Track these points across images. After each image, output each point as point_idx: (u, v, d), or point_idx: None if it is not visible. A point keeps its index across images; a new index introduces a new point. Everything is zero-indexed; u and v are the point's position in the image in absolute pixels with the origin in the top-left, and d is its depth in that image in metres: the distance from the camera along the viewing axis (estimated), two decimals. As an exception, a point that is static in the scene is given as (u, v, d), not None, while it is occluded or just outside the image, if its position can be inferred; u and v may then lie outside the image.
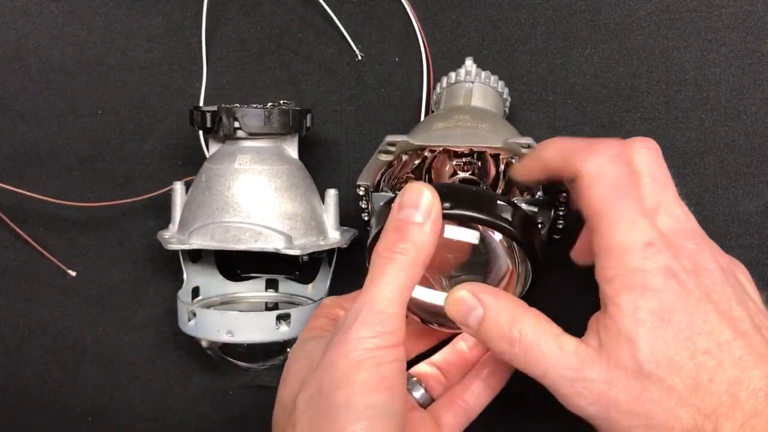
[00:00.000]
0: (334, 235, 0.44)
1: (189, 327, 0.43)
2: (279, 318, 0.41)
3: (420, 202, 0.31)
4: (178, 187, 0.45)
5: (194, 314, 0.42)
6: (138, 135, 0.51)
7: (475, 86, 0.43)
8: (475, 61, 0.44)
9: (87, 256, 0.52)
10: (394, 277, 0.30)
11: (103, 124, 0.51)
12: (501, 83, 0.44)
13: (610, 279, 0.29)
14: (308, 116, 0.45)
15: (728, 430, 0.26)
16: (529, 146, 0.35)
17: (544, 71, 0.47)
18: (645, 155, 0.32)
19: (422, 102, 0.47)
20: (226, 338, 0.41)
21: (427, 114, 0.43)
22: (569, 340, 0.30)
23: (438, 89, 0.44)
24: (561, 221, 0.38)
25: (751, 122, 0.45)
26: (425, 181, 0.39)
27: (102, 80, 0.51)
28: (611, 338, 0.29)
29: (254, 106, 0.43)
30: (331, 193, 0.45)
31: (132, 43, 0.51)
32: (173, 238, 0.43)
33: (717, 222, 0.45)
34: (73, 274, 0.51)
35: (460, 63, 0.44)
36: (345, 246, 0.44)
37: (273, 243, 0.41)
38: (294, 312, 0.42)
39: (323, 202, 0.45)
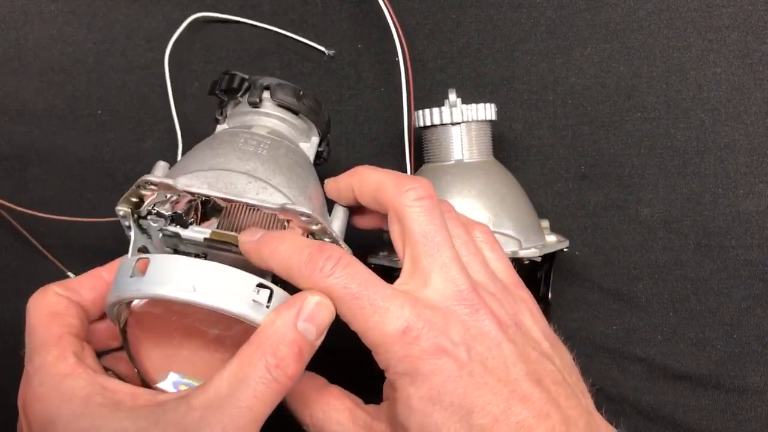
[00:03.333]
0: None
1: (132, 285, 0.30)
2: (260, 292, 0.30)
3: (324, 322, 0.29)
4: (162, 164, 0.36)
5: (146, 265, 0.30)
6: (138, 135, 0.51)
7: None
8: (474, 62, 0.44)
9: (86, 256, 0.52)
10: (268, 404, 0.28)
11: (103, 124, 0.51)
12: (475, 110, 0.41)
13: (386, 368, 0.29)
14: (327, 139, 0.41)
15: None
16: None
17: (544, 71, 0.47)
18: (419, 212, 0.31)
19: (403, 108, 0.47)
20: (185, 296, 0.29)
21: (409, 122, 0.42)
22: (361, 414, 0.31)
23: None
24: None
25: (752, 122, 0.45)
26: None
27: (102, 80, 0.51)
28: (392, 423, 0.29)
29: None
30: (341, 209, 0.37)
31: (132, 43, 0.51)
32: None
33: (717, 222, 0.45)
34: (73, 275, 0.51)
35: (460, 63, 0.44)
36: None
37: (281, 200, 0.32)
38: (279, 294, 0.30)
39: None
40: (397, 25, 0.44)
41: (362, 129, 0.49)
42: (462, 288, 0.30)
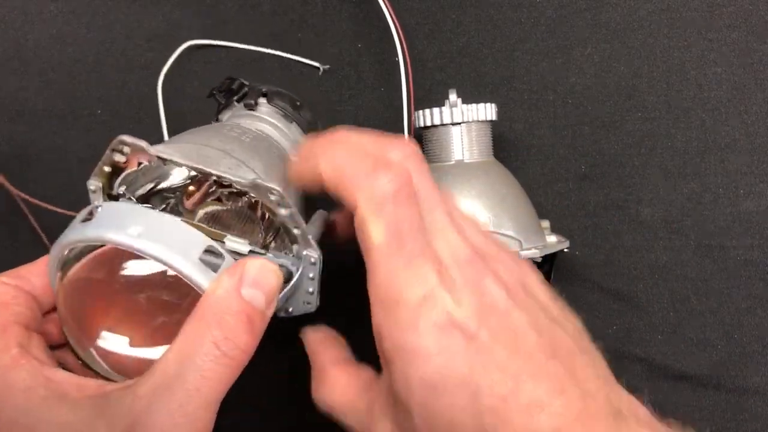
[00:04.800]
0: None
1: (75, 231, 0.28)
2: (209, 252, 0.27)
3: (272, 287, 0.27)
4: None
5: (96, 209, 0.29)
6: (138, 135, 0.50)
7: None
8: (474, 62, 0.44)
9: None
10: (221, 383, 0.25)
11: (103, 124, 0.51)
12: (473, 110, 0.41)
13: (385, 337, 0.26)
14: None
15: None
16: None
17: (545, 71, 0.47)
18: (418, 175, 0.28)
19: (404, 108, 0.47)
20: (130, 241, 0.26)
21: (409, 122, 0.42)
22: (363, 396, 0.30)
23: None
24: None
25: (752, 122, 0.45)
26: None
27: (102, 80, 0.51)
28: (391, 402, 0.27)
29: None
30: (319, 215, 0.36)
31: (132, 43, 0.51)
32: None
33: (718, 222, 0.45)
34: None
35: (460, 63, 0.44)
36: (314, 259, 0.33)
37: (252, 176, 0.31)
38: (230, 261, 0.28)
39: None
40: (397, 25, 0.43)
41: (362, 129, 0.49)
42: (466, 252, 0.27)
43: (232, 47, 0.49)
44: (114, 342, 0.28)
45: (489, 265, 0.27)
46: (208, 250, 0.27)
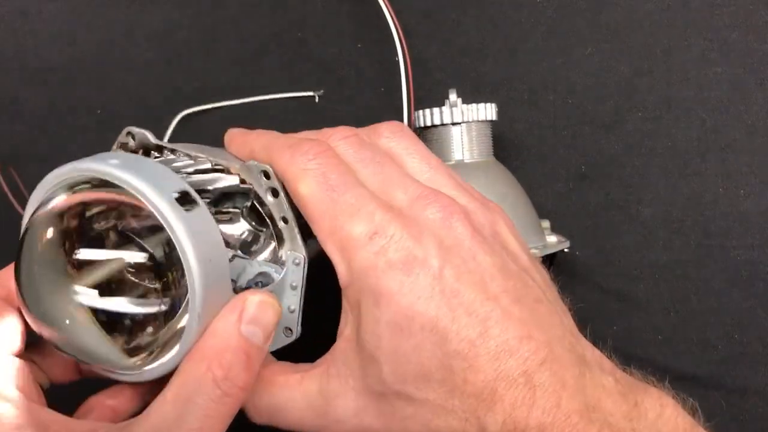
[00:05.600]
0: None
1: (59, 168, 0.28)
2: (184, 198, 0.26)
3: (270, 323, 0.26)
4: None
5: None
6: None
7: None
8: (474, 62, 0.44)
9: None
10: (222, 422, 0.25)
11: (102, 124, 0.51)
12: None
13: (347, 284, 0.26)
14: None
15: (492, 427, 0.24)
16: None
17: (545, 70, 0.47)
18: (345, 146, 0.29)
19: (404, 108, 0.47)
20: (106, 168, 0.25)
21: (409, 122, 0.42)
22: (311, 380, 0.28)
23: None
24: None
25: (753, 122, 0.45)
26: None
27: (101, 80, 0.51)
28: (355, 357, 0.26)
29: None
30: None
31: (131, 42, 0.51)
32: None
33: (718, 222, 0.45)
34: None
35: (460, 63, 0.44)
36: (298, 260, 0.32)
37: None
38: (203, 208, 0.26)
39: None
40: (397, 25, 0.43)
41: (362, 129, 0.49)
42: (426, 193, 0.27)
43: (226, 106, 0.49)
44: (86, 295, 0.27)
45: (455, 206, 0.27)
46: (185, 193, 0.26)
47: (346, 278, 0.26)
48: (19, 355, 0.28)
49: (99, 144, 0.51)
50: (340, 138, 0.29)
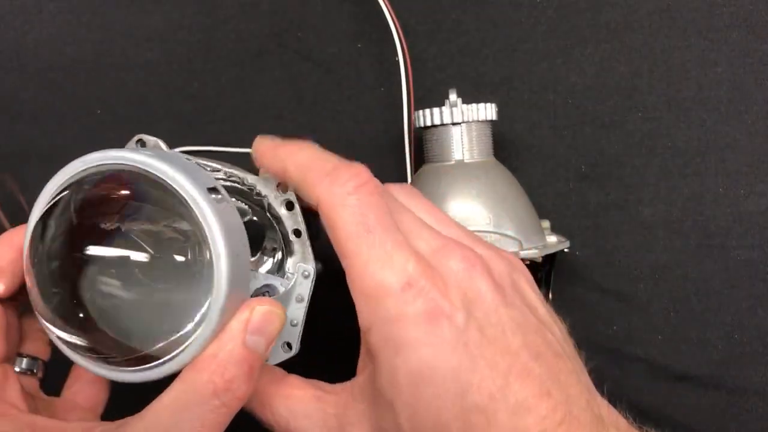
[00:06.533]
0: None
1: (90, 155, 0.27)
2: (213, 190, 0.26)
3: (274, 333, 0.26)
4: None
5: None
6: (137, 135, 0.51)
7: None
8: (474, 62, 0.44)
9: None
10: (220, 430, 0.25)
11: (102, 123, 0.51)
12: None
13: (368, 329, 0.26)
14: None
15: None
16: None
17: (545, 70, 0.47)
18: (354, 205, 0.27)
19: (404, 108, 0.47)
20: (138, 156, 0.26)
21: (409, 122, 0.42)
22: (328, 403, 0.28)
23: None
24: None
25: (753, 122, 0.45)
26: None
27: (101, 80, 0.51)
28: (373, 400, 0.26)
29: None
30: None
31: (131, 42, 0.50)
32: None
33: (718, 222, 0.45)
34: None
35: (460, 63, 0.44)
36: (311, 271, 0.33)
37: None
38: (230, 202, 0.27)
39: None
40: (397, 25, 0.43)
41: (362, 129, 0.49)
42: (447, 242, 0.27)
43: (221, 152, 0.48)
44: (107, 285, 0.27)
45: (477, 258, 0.27)
46: (214, 188, 0.26)
47: (369, 322, 0.26)
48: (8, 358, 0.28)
49: (99, 144, 0.51)
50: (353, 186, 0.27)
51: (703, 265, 0.45)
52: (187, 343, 0.25)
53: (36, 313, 0.27)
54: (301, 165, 0.27)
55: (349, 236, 0.26)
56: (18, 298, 0.29)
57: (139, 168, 0.25)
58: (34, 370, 0.32)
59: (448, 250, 0.27)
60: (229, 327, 0.25)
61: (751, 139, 0.45)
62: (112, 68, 0.51)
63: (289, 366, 0.31)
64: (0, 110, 0.51)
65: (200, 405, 0.24)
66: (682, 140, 0.45)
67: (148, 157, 0.25)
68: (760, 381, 0.44)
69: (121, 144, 0.50)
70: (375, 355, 0.26)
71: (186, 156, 0.30)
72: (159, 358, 0.25)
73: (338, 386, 0.29)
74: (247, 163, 0.35)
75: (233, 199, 0.28)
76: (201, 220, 0.24)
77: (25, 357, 0.31)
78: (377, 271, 0.25)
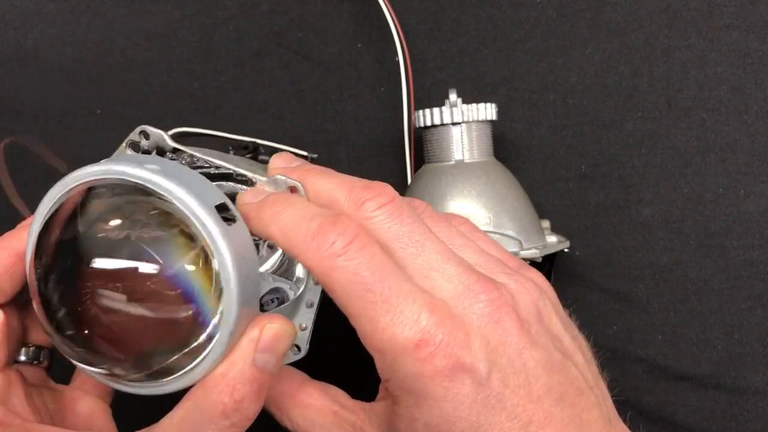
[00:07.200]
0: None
1: (90, 167, 0.27)
2: (223, 211, 0.25)
3: (284, 350, 0.26)
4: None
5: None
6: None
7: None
8: (474, 62, 0.44)
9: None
10: None
11: (102, 123, 0.51)
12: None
13: (387, 380, 0.25)
14: None
15: None
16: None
17: (545, 70, 0.47)
18: (381, 218, 0.26)
19: (404, 108, 0.47)
20: (144, 174, 0.25)
21: (409, 122, 0.42)
22: (345, 421, 0.28)
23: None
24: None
25: (753, 122, 0.45)
26: None
27: (101, 80, 0.51)
28: (387, 430, 0.26)
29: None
30: None
31: (131, 42, 0.50)
32: None
33: (718, 222, 0.45)
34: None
35: (460, 63, 0.44)
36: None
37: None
38: (240, 222, 0.26)
39: None
40: (397, 25, 0.43)
41: (362, 129, 0.49)
42: (470, 282, 0.25)
43: (216, 136, 0.48)
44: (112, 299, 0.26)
45: (502, 299, 0.25)
46: (224, 206, 0.25)
47: (386, 376, 0.25)
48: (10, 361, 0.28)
49: (99, 144, 0.51)
50: (375, 208, 0.26)
51: (703, 265, 0.45)
52: (197, 361, 0.25)
53: (41, 324, 0.27)
54: (285, 229, 0.26)
55: (348, 299, 0.24)
56: (18, 297, 0.29)
57: (143, 186, 0.25)
58: (40, 359, 0.31)
59: (471, 292, 0.25)
60: (239, 346, 0.25)
61: (750, 139, 0.45)
62: (112, 68, 0.51)
63: (302, 364, 0.31)
64: (0, 110, 0.51)
65: (209, 424, 0.24)
66: (681, 140, 0.45)
67: (152, 174, 0.24)
68: (760, 381, 0.44)
69: (120, 144, 0.50)
70: (395, 401, 0.25)
71: (196, 155, 0.29)
72: (169, 374, 0.25)
73: (357, 405, 0.29)
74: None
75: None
76: (210, 243, 0.24)
77: (31, 347, 0.31)
78: (387, 328, 0.24)
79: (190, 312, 0.25)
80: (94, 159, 0.48)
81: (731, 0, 0.45)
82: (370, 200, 0.26)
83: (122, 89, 0.51)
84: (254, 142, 0.37)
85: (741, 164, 0.45)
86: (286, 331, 0.26)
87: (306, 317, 0.30)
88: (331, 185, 0.27)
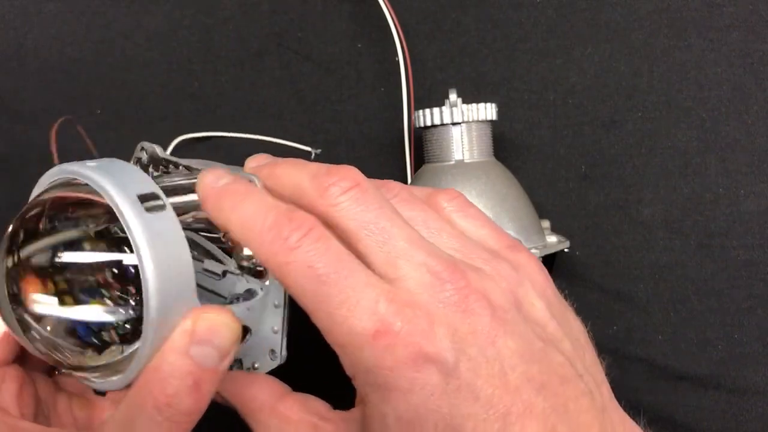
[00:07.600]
0: None
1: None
2: (149, 200, 0.25)
3: (226, 341, 0.24)
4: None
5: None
6: (138, 135, 0.51)
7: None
8: (474, 62, 0.44)
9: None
10: None
11: (103, 124, 0.51)
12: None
13: (352, 376, 0.24)
14: None
15: None
16: None
17: (545, 70, 0.47)
18: (347, 205, 0.25)
19: (404, 108, 0.47)
20: (76, 168, 0.26)
21: (409, 122, 0.42)
22: (326, 430, 0.27)
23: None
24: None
25: (753, 122, 0.45)
26: None
27: (101, 80, 0.51)
28: None
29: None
30: None
31: (131, 42, 0.51)
32: None
33: (718, 222, 0.45)
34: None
35: (460, 63, 0.44)
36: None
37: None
38: (170, 211, 0.25)
39: None
40: (397, 25, 0.43)
41: (362, 129, 0.49)
42: (438, 270, 0.24)
43: (222, 137, 0.48)
44: (44, 304, 0.26)
45: (469, 282, 0.24)
46: (152, 195, 0.25)
47: (351, 371, 0.24)
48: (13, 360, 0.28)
49: (99, 144, 0.51)
50: (340, 193, 0.25)
51: (703, 265, 0.45)
52: (128, 356, 0.24)
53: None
54: (243, 223, 0.25)
55: (304, 294, 0.23)
56: None
57: (69, 178, 0.25)
58: None
59: (437, 280, 0.24)
60: (171, 338, 0.24)
61: (750, 139, 0.45)
62: (112, 68, 0.51)
63: (287, 371, 0.31)
64: (0, 110, 0.51)
65: (145, 421, 0.23)
66: (681, 140, 0.45)
67: (80, 167, 0.25)
68: (760, 381, 0.44)
69: (120, 143, 0.50)
70: (364, 401, 0.24)
71: (192, 165, 0.30)
72: (116, 371, 0.25)
73: (337, 415, 0.28)
74: (253, 151, 0.35)
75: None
76: (125, 227, 0.23)
77: None
78: (344, 320, 0.23)
79: (113, 305, 0.24)
80: (94, 160, 0.48)
81: (731, 0, 0.45)
82: (333, 185, 0.25)
83: (122, 89, 0.51)
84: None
85: (741, 164, 0.45)
86: (223, 322, 0.24)
87: (275, 319, 0.30)
88: (296, 173, 0.26)
